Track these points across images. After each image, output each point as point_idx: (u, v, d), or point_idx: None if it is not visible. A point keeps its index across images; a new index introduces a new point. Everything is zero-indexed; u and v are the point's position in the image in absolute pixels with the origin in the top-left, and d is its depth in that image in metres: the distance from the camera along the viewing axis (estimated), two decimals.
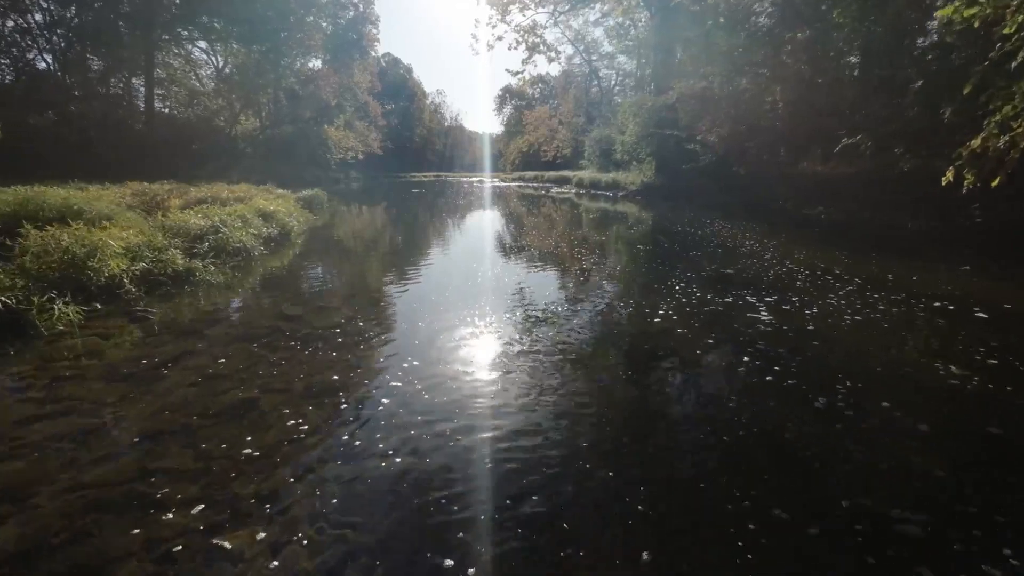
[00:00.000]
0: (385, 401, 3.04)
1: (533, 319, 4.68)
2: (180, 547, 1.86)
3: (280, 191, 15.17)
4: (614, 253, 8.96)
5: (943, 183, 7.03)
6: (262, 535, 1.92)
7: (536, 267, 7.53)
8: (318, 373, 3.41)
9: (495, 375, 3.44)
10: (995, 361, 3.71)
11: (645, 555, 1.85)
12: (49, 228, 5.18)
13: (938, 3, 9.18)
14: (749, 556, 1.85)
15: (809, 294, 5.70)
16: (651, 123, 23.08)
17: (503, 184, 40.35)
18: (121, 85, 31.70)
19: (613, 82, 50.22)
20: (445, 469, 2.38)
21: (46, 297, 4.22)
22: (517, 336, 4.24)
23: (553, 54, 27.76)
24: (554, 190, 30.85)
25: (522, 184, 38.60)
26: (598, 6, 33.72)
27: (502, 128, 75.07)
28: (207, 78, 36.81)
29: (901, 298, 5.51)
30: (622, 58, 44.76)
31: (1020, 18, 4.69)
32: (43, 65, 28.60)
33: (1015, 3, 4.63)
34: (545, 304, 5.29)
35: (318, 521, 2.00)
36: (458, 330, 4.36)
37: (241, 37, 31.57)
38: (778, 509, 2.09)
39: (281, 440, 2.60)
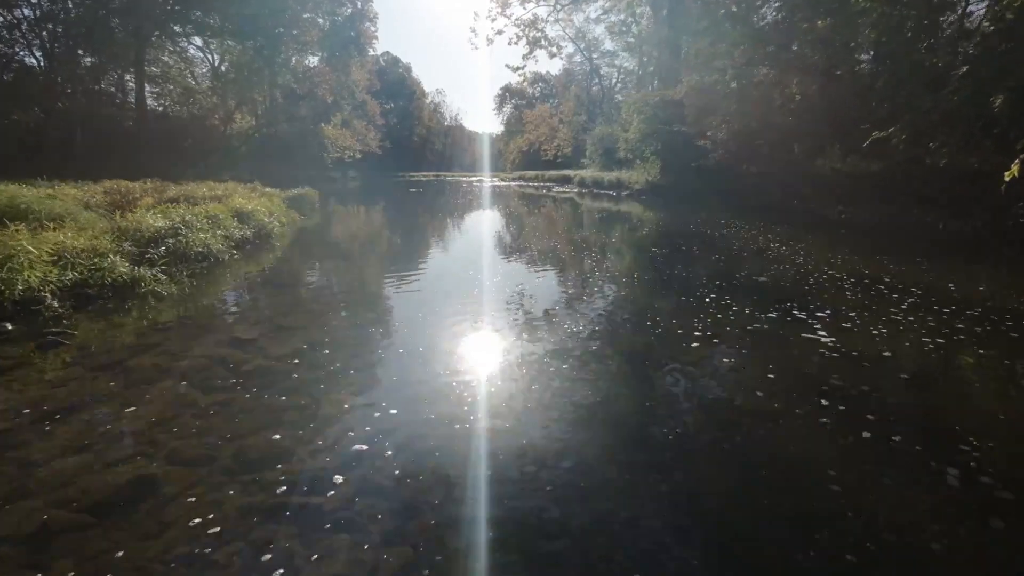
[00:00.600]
0: (339, 482, 2.14)
1: (545, 353, 3.77)
2: None
3: (269, 190, 14.33)
4: (628, 258, 8.07)
5: (1006, 178, 6.15)
6: None
7: (541, 275, 6.63)
8: (256, 432, 2.51)
9: (499, 448, 2.54)
10: None
11: None
12: None
13: None
14: None
15: (867, 309, 4.81)
16: (657, 119, 22.17)
17: (503, 184, 39.46)
18: (113, 82, 30.93)
19: (614, 80, 49.40)
20: None
21: None
22: (526, 386, 3.34)
23: (555, 49, 26.88)
24: (555, 189, 29.97)
25: (522, 183, 37.71)
26: (600, 1, 32.84)
27: (502, 128, 74.23)
28: (203, 76, 36.07)
29: (978, 314, 4.61)
30: (623, 56, 43.98)
31: None
32: (32, 61, 27.86)
33: None
34: (557, 327, 4.39)
35: None
36: (450, 366, 3.46)
37: (235, 33, 30.79)
38: None
39: (174, 555, 1.71)
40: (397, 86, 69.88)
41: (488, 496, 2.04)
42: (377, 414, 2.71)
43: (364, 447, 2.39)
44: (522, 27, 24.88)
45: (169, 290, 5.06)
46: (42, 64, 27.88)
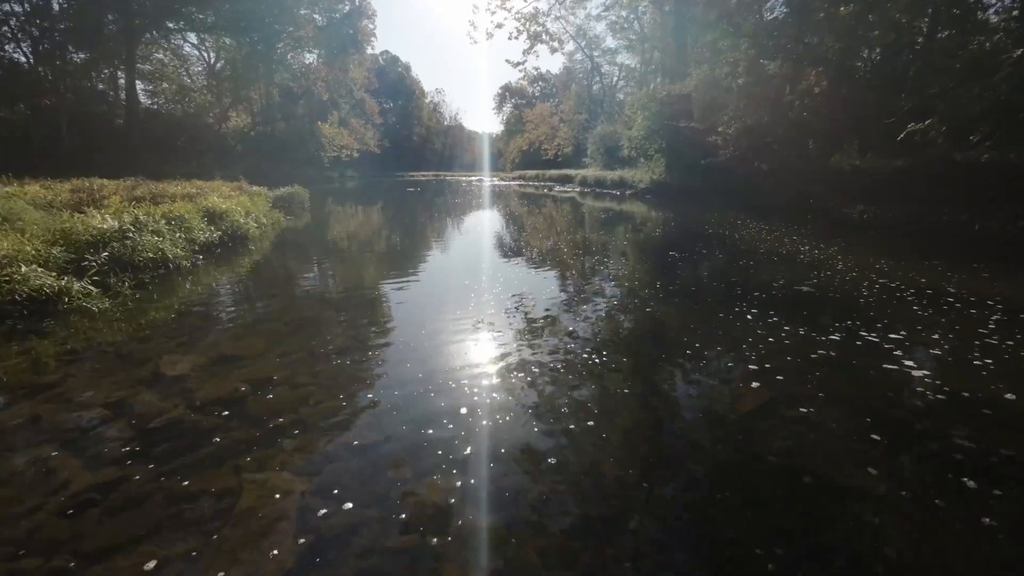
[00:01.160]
0: None
1: (556, 409, 2.87)
2: None
3: (256, 188, 13.50)
4: (645, 265, 7.21)
5: None
6: None
7: (546, 286, 5.76)
8: (127, 549, 1.64)
9: (500, 542, 1.67)
10: None
11: None
12: None
13: None
14: None
15: (948, 329, 3.93)
16: (663, 116, 21.30)
17: (502, 183, 38.60)
18: (105, 79, 30.21)
19: (615, 79, 48.60)
20: None
21: None
22: (534, 457, 2.47)
23: (556, 44, 25.98)
24: (556, 189, 29.12)
25: (522, 183, 36.84)
26: None
27: (501, 127, 73.45)
28: (199, 74, 35.39)
29: None
30: (624, 54, 43.16)
31: None
32: (21, 58, 27.20)
33: None
34: (571, 368, 3.52)
35: None
36: (443, 446, 2.59)
37: (229, 28, 30.07)
38: None
39: None
40: (396, 85, 69.10)
41: None
42: (323, 510, 1.84)
43: None
44: (523, 21, 24.03)
45: (101, 306, 4.19)
46: (30, 61, 27.16)
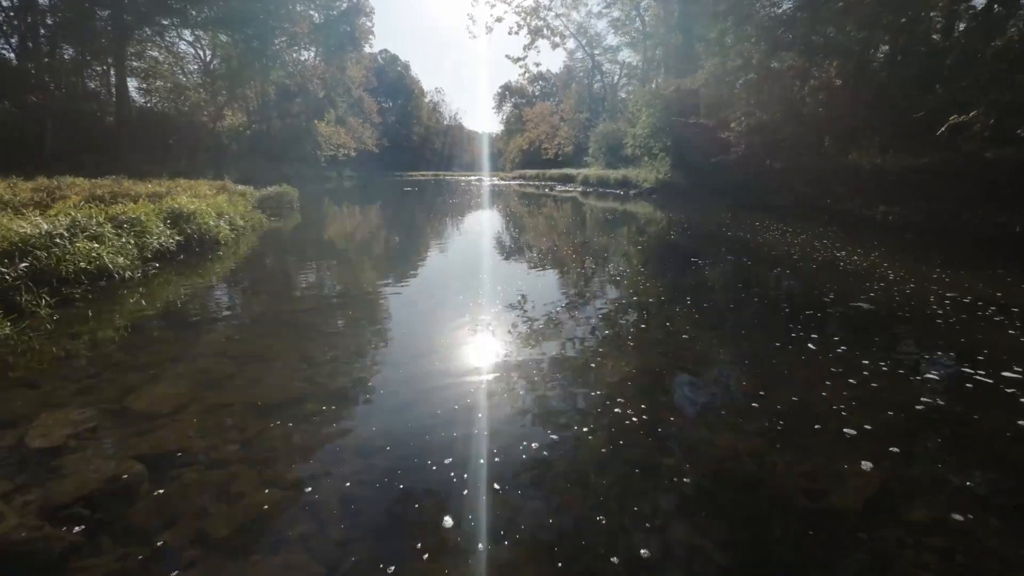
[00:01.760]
0: None
1: (567, 486, 2.04)
2: None
3: (242, 187, 12.66)
4: (667, 275, 6.35)
5: None
6: None
7: (556, 304, 4.91)
8: None
9: None
10: None
11: None
12: None
13: None
14: None
15: None
16: (669, 112, 20.45)
17: (502, 183, 37.77)
18: (97, 77, 29.44)
19: (616, 77, 47.69)
20: None
21: None
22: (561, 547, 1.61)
23: (558, 39, 25.13)
24: (558, 188, 28.30)
25: (523, 183, 36.00)
26: None
27: (501, 126, 72.65)
28: (194, 73, 34.61)
29: None
30: (626, 52, 42.24)
31: None
32: (9, 54, 26.43)
33: None
34: (587, 448, 2.67)
35: None
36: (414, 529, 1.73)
37: (222, 23, 29.27)
38: None
39: None
40: (395, 84, 68.21)
41: None
42: None
43: None
44: (523, 15, 23.16)
45: (0, 332, 3.34)
46: (16, 57, 26.36)
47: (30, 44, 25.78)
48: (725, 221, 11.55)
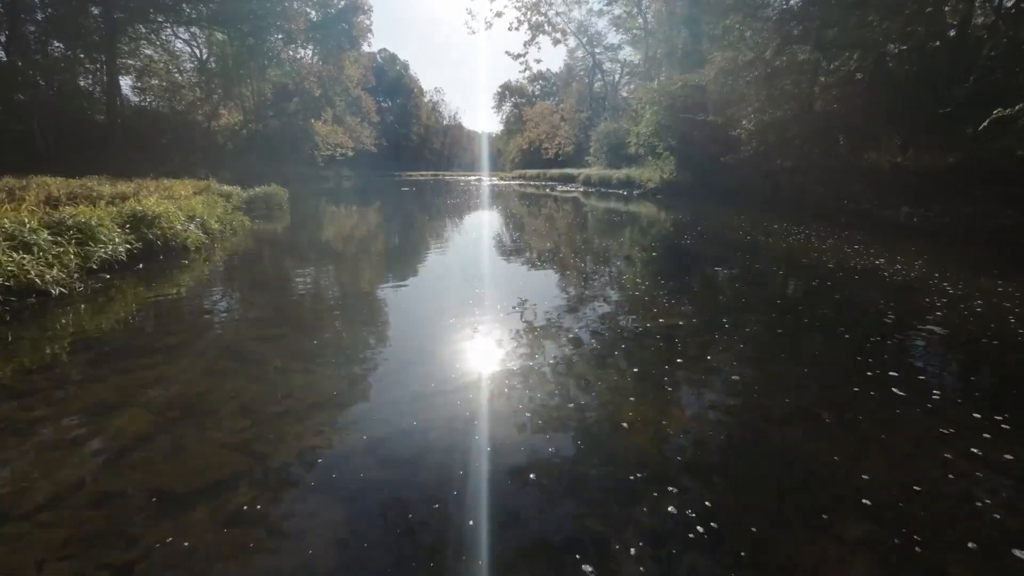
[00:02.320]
0: None
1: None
2: None
3: (228, 188, 11.93)
4: (692, 288, 5.62)
5: None
6: None
7: (565, 323, 4.18)
8: None
9: None
10: None
11: None
12: None
13: None
14: None
15: None
16: (674, 109, 19.71)
17: (502, 183, 37.06)
18: (90, 75, 28.74)
19: (618, 76, 46.98)
20: None
21: None
22: None
23: (559, 35, 24.43)
24: (559, 189, 27.59)
25: (523, 183, 35.29)
26: None
27: (501, 126, 71.99)
28: (190, 71, 33.88)
29: None
30: (627, 50, 41.55)
31: None
32: (1, 52, 25.71)
33: None
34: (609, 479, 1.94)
35: None
36: None
37: (218, 20, 28.61)
38: None
39: None
40: (395, 84, 67.46)
41: None
42: None
43: None
44: (523, 10, 22.46)
45: None
46: (6, 54, 25.62)
47: (17, 41, 25.08)
48: (740, 224, 10.83)
